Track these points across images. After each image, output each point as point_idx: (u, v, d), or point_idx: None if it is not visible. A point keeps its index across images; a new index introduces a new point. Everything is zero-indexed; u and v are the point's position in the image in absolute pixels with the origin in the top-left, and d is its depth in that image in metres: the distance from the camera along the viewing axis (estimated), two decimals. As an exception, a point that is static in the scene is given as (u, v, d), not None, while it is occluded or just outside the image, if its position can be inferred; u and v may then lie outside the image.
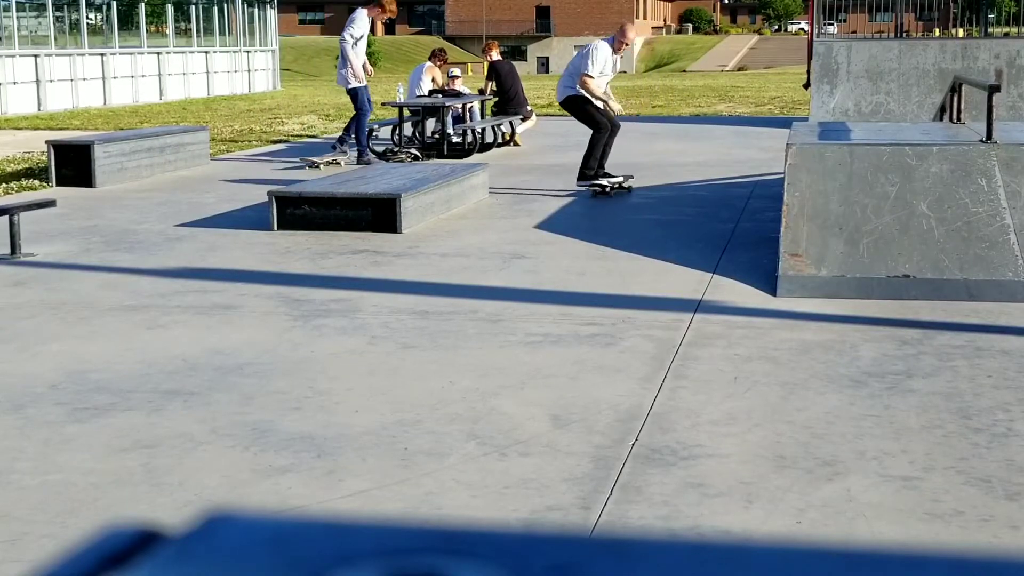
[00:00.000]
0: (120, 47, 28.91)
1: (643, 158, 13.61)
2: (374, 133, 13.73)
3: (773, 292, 6.34)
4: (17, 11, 25.40)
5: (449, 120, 14.29)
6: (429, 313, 6.00)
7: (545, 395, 4.65)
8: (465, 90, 15.29)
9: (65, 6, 28.21)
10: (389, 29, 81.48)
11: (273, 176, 12.05)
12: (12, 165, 13.59)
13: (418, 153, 13.65)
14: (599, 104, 10.30)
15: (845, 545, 0.36)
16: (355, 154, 13.04)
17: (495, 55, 15.05)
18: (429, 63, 15.43)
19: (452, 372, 4.96)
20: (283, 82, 38.13)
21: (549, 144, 15.11)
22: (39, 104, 24.66)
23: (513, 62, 16.58)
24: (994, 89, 7.05)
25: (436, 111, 14.36)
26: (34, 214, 8.35)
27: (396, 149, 13.71)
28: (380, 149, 13.74)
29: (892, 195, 6.59)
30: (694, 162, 13.10)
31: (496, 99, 14.94)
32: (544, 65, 77.47)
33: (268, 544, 0.38)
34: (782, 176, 7.06)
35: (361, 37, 12.93)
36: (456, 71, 15.77)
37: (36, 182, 11.83)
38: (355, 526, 0.39)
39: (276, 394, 4.67)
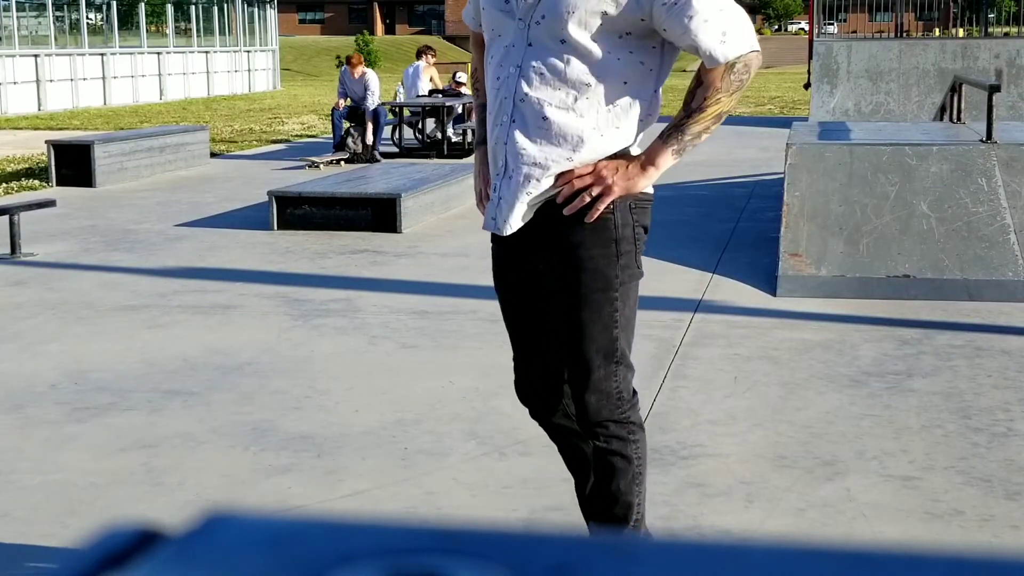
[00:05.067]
0: (120, 47, 28.93)
1: (643, 158, 13.60)
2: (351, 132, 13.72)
3: (773, 292, 6.34)
4: (17, 11, 25.41)
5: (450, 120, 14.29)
6: (429, 313, 6.00)
7: (545, 395, 4.64)
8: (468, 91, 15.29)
9: (65, 6, 28.22)
10: (389, 29, 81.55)
11: (273, 176, 12.05)
12: (12, 165, 13.59)
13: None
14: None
15: (845, 545, 0.36)
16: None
17: None
18: (423, 63, 15.35)
19: (452, 372, 4.96)
20: (283, 82, 38.14)
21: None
22: (39, 104, 24.66)
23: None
24: (994, 89, 7.05)
25: (437, 111, 14.36)
26: (34, 214, 8.35)
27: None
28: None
29: (892, 195, 6.59)
30: (694, 162, 13.09)
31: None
32: (544, 65, 77.37)
33: (268, 544, 0.38)
34: (782, 176, 7.06)
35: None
36: (463, 76, 15.77)
37: (36, 182, 11.84)
38: (355, 526, 0.39)
39: (276, 394, 4.67)
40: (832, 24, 23.03)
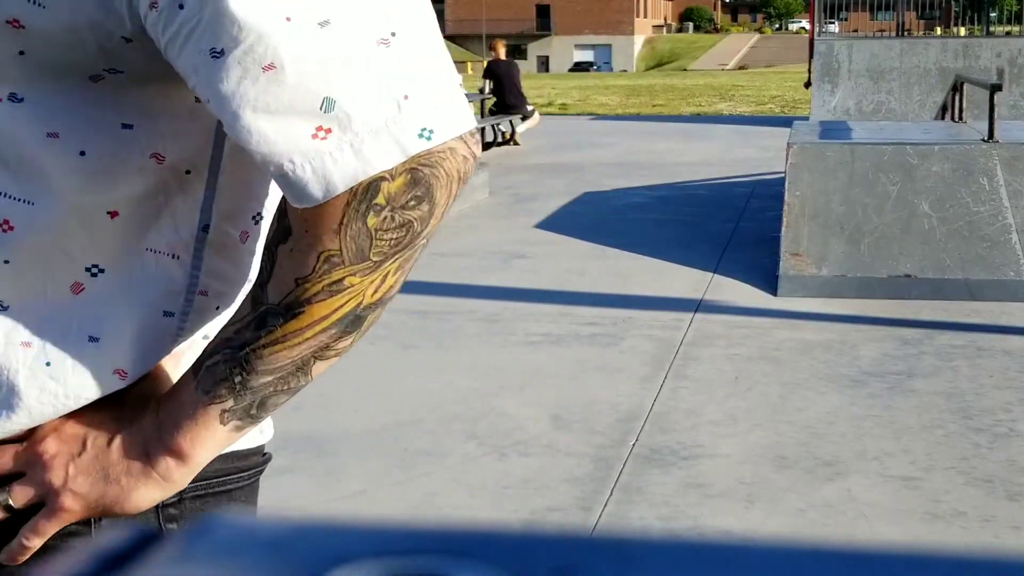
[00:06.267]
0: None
1: (643, 157, 13.62)
2: None
3: (774, 292, 6.34)
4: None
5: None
6: (429, 313, 6.00)
7: (545, 395, 4.65)
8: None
9: (66, 5, 28.27)
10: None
11: (274, 176, 12.05)
12: (13, 164, 13.62)
13: None
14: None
15: (846, 545, 0.36)
16: None
17: (501, 54, 15.10)
18: None
19: (452, 372, 4.96)
20: (284, 81, 38.15)
21: (549, 144, 15.12)
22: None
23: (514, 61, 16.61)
24: (996, 88, 7.05)
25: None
26: (35, 213, 8.35)
27: None
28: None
29: (893, 194, 6.59)
30: (694, 162, 13.11)
31: (494, 99, 14.98)
32: (544, 64, 77.54)
33: (268, 544, 0.38)
34: (783, 175, 7.06)
35: None
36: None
37: (37, 181, 11.85)
38: (355, 526, 0.39)
39: (277, 394, 4.67)
40: (833, 23, 23.05)
